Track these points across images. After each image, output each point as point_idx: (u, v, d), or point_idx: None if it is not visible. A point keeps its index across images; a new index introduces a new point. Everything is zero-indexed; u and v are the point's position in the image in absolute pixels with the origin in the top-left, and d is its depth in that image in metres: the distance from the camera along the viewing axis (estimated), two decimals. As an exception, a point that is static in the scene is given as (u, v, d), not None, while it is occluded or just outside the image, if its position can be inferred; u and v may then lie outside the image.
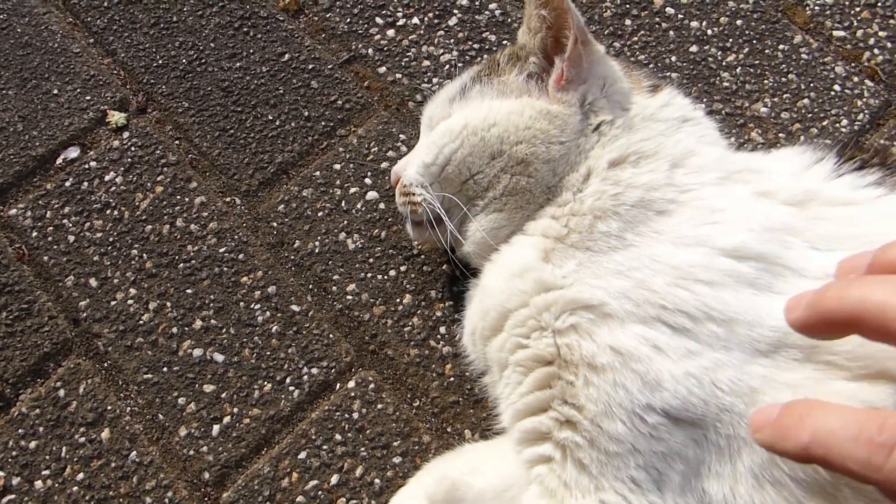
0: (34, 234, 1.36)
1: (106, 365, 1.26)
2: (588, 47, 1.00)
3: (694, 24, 1.51)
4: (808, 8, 1.52)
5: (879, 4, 1.50)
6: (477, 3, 1.55)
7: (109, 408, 1.22)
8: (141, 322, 1.28)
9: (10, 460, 1.18)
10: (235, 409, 1.21)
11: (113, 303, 1.30)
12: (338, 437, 1.18)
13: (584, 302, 0.89)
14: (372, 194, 1.37)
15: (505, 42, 1.50)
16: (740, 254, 0.88)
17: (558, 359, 0.90)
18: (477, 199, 1.07)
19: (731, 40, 1.49)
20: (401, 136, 1.42)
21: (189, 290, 1.30)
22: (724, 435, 0.83)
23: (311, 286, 1.31)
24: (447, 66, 1.49)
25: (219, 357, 1.25)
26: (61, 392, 1.24)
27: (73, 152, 1.44)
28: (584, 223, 0.95)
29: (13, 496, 1.16)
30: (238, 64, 1.51)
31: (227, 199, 1.39)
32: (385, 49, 1.52)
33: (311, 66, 1.50)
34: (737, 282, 0.86)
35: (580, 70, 1.01)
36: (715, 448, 0.83)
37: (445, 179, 1.08)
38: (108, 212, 1.37)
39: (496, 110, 1.04)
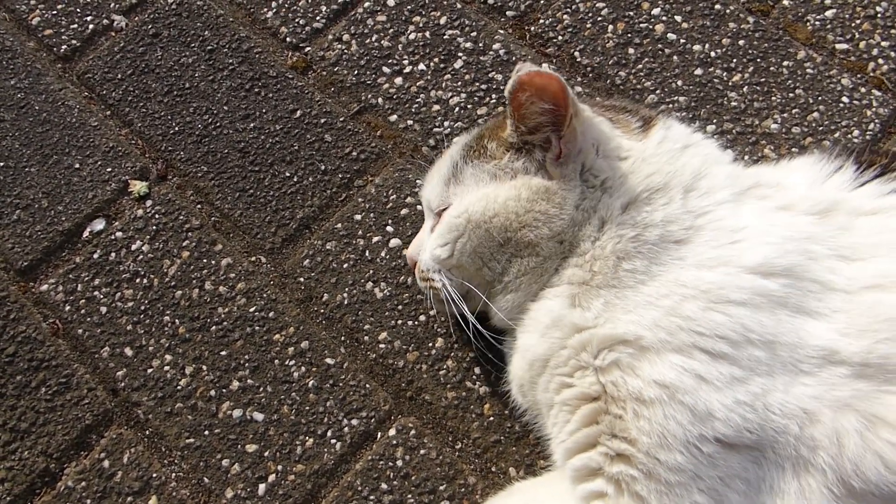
0: (67, 308, 1.43)
1: (148, 433, 1.32)
2: (579, 116, 1.04)
3: (696, 47, 1.58)
4: (808, 24, 1.59)
5: (879, 15, 1.57)
6: (481, 45, 1.63)
7: (155, 475, 1.27)
8: (179, 387, 1.34)
9: (61, 535, 1.24)
10: (279, 467, 1.26)
11: (150, 370, 1.36)
12: (384, 486, 1.23)
13: (620, 337, 0.95)
14: (395, 241, 1.44)
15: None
16: (765, 269, 0.92)
17: (604, 395, 0.95)
18: (494, 283, 1.13)
19: (735, 60, 1.56)
20: (417, 181, 1.49)
21: (223, 352, 1.36)
22: (784, 455, 0.87)
23: (343, 338, 1.37)
24: (457, 109, 1.56)
25: (258, 416, 1.30)
26: (106, 463, 1.29)
27: (98, 224, 1.51)
28: (609, 264, 1.00)
29: (68, 570, 1.21)
30: (252, 124, 1.59)
31: (253, 259, 1.46)
32: (394, 97, 1.60)
33: (323, 121, 1.58)
34: (769, 302, 0.91)
35: (575, 142, 1.05)
36: (775, 466, 0.87)
37: (460, 267, 1.14)
38: (137, 280, 1.44)
39: (493, 200, 1.08)
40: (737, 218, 0.99)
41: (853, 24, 1.58)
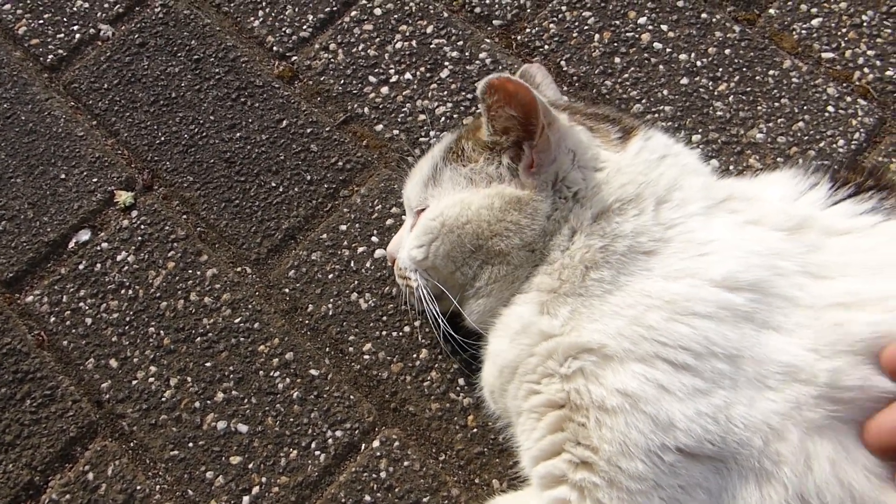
0: (52, 319, 1.43)
1: (132, 445, 1.32)
2: (553, 126, 1.04)
3: (683, 56, 1.59)
4: (794, 32, 1.59)
5: (865, 24, 1.58)
6: (467, 54, 1.63)
7: (139, 487, 1.28)
8: (163, 399, 1.34)
9: (45, 548, 1.24)
10: (264, 479, 1.26)
11: (134, 382, 1.36)
12: (367, 498, 1.23)
13: (584, 345, 0.95)
14: (380, 252, 1.44)
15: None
16: (731, 283, 0.92)
17: (568, 403, 0.96)
18: (467, 287, 1.14)
19: (720, 70, 1.56)
20: (402, 191, 1.49)
21: (208, 364, 1.37)
22: (747, 467, 0.87)
23: (327, 349, 1.37)
24: (443, 119, 1.57)
25: (243, 428, 1.31)
26: (90, 475, 1.29)
27: (84, 235, 1.51)
28: (576, 273, 1.01)
29: (51, 584, 1.21)
30: (238, 134, 1.59)
31: (238, 269, 1.46)
32: (380, 107, 1.60)
33: (309, 130, 1.59)
34: (734, 316, 0.91)
35: (549, 152, 1.05)
36: (738, 476, 0.88)
37: (435, 268, 1.16)
38: (122, 291, 1.45)
39: (467, 207, 1.10)
40: (707, 231, 0.99)
41: (839, 33, 1.59)
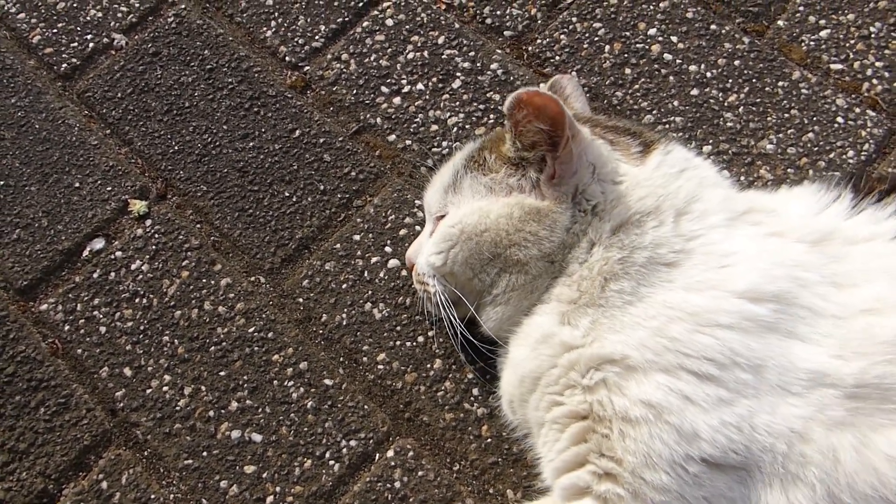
0: (66, 327, 1.44)
1: (146, 453, 1.32)
2: (577, 138, 1.05)
3: (693, 67, 1.60)
4: (803, 44, 1.60)
5: (873, 36, 1.59)
6: (479, 65, 1.64)
7: (153, 496, 1.28)
8: (177, 408, 1.35)
9: (60, 557, 1.24)
10: (278, 489, 1.27)
11: (148, 391, 1.37)
12: (381, 508, 1.24)
13: (607, 357, 0.96)
14: (393, 262, 1.45)
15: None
16: (754, 294, 0.93)
17: (591, 414, 0.96)
18: (485, 294, 1.15)
19: (730, 81, 1.57)
20: (416, 201, 1.50)
21: (222, 373, 1.37)
22: (772, 473, 0.88)
23: (341, 359, 1.37)
24: (455, 129, 1.58)
25: (257, 437, 1.31)
26: (104, 484, 1.30)
27: (98, 243, 1.52)
28: (595, 284, 1.01)
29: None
30: (251, 144, 1.60)
31: (252, 279, 1.47)
32: (393, 117, 1.61)
33: (322, 140, 1.59)
34: (758, 326, 0.92)
35: (570, 164, 1.06)
36: (762, 484, 0.89)
37: (453, 275, 1.17)
38: (136, 300, 1.45)
39: (486, 215, 1.10)
40: (728, 243, 1.00)
41: (847, 45, 1.60)
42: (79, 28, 1.77)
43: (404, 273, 1.43)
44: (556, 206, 1.06)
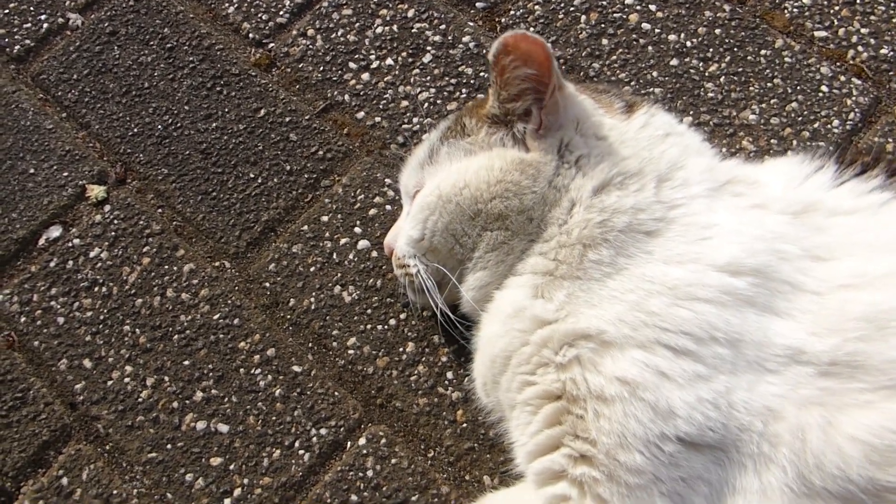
0: (22, 319, 1.40)
1: (108, 448, 1.29)
2: (563, 90, 1.04)
3: (672, 37, 1.57)
4: (786, 11, 1.58)
5: (858, 2, 1.56)
6: (450, 38, 1.61)
7: (115, 492, 1.25)
8: (140, 400, 1.31)
9: (18, 557, 1.21)
10: (245, 480, 1.23)
11: (109, 382, 1.33)
12: (354, 497, 1.20)
13: (582, 332, 0.93)
14: (363, 243, 1.41)
15: (482, 74, 1.56)
16: (734, 268, 0.92)
17: (565, 393, 0.94)
18: (466, 262, 1.12)
19: (711, 50, 1.54)
20: (386, 180, 1.47)
21: (186, 362, 1.33)
22: (747, 453, 0.86)
23: (310, 344, 1.34)
24: (426, 105, 1.54)
25: (223, 427, 1.28)
26: (64, 480, 1.26)
27: (55, 231, 1.48)
28: (574, 254, 0.99)
29: None
30: (214, 124, 1.56)
31: (217, 264, 1.43)
32: (361, 93, 1.57)
33: (288, 119, 1.56)
34: (736, 300, 0.90)
35: (556, 115, 1.05)
36: (738, 466, 0.87)
37: (434, 250, 1.14)
38: (96, 289, 1.41)
39: (464, 171, 1.08)
40: (709, 214, 0.98)
41: (832, 11, 1.57)
42: (32, 8, 1.72)
43: (374, 254, 1.40)
44: (541, 157, 1.05)
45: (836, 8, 1.57)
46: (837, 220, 0.97)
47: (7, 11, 1.72)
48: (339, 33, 1.63)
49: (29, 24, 1.70)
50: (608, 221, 0.98)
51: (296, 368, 1.32)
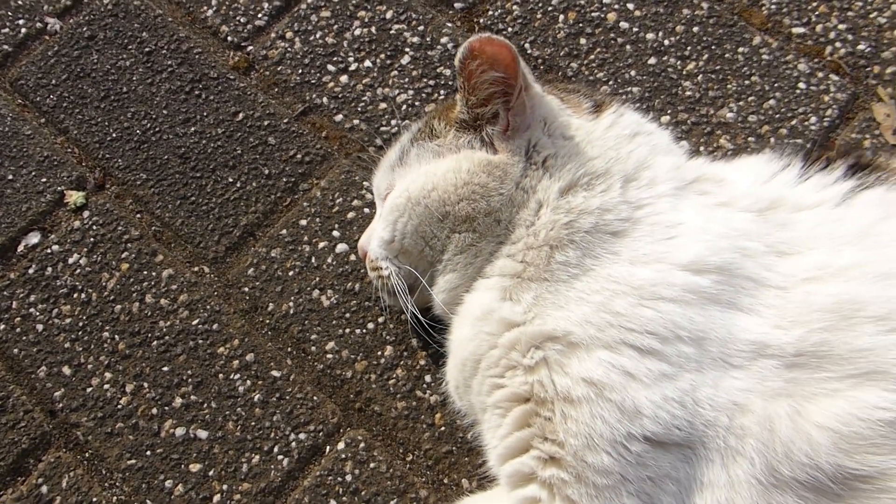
0: (1, 326, 1.39)
1: (87, 455, 1.29)
2: (530, 91, 1.04)
3: (650, 35, 1.57)
4: (763, 8, 1.57)
5: (834, -3, 1.56)
6: (428, 39, 1.60)
7: (95, 499, 1.25)
8: (119, 406, 1.31)
9: (-3, 566, 1.21)
10: (225, 486, 1.24)
11: (89, 389, 1.33)
12: (333, 502, 1.21)
13: (549, 334, 0.94)
14: (341, 247, 1.41)
15: (461, 76, 1.55)
16: (698, 266, 0.92)
17: (533, 396, 0.94)
18: (437, 264, 1.12)
19: (689, 48, 1.54)
20: (364, 183, 1.46)
21: (165, 368, 1.33)
22: (714, 448, 0.87)
23: (289, 349, 1.34)
24: (404, 107, 1.54)
25: (202, 434, 1.28)
26: (44, 488, 1.26)
27: (33, 238, 1.47)
28: (542, 255, 0.99)
29: None
30: (193, 128, 1.56)
31: (196, 269, 1.43)
32: (340, 96, 1.57)
33: (266, 123, 1.55)
34: (700, 298, 0.91)
35: (524, 117, 1.05)
36: (705, 461, 0.87)
37: (405, 252, 1.14)
38: (75, 296, 1.41)
39: (432, 174, 1.09)
40: (675, 213, 0.98)
41: (809, 7, 1.57)
42: (10, 13, 1.72)
43: (353, 258, 1.40)
44: (509, 159, 1.05)
45: (814, 4, 1.57)
46: (801, 216, 0.97)
47: (-16, 17, 1.71)
48: (318, 35, 1.63)
49: (7, 30, 1.70)
50: (575, 222, 0.99)
51: (275, 373, 1.32)
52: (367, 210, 1.43)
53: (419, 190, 1.09)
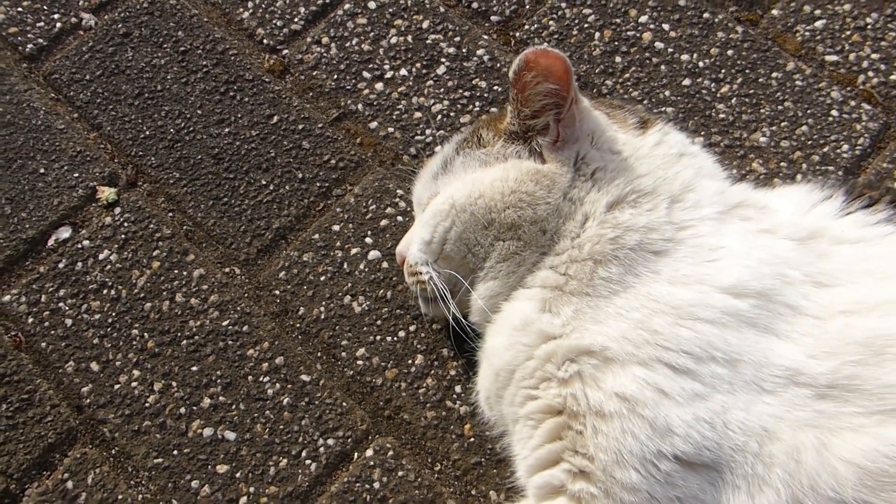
0: (30, 319, 1.39)
1: (114, 452, 1.28)
2: (579, 105, 1.06)
3: (685, 56, 1.57)
4: (798, 34, 1.58)
5: (869, 27, 1.57)
6: (464, 50, 1.61)
7: (120, 497, 1.24)
8: (147, 404, 1.31)
9: (21, 560, 1.20)
10: (252, 489, 1.23)
11: (116, 386, 1.32)
12: (360, 509, 1.20)
13: (586, 348, 0.94)
14: (374, 254, 1.41)
15: (496, 88, 1.56)
16: (737, 291, 0.93)
17: (566, 409, 0.94)
18: (478, 271, 1.12)
19: (723, 71, 1.55)
20: (398, 191, 1.46)
21: (194, 368, 1.33)
22: (741, 474, 0.87)
23: (319, 354, 1.34)
24: (439, 117, 1.54)
25: (230, 435, 1.27)
26: (69, 484, 1.25)
27: (64, 232, 1.47)
28: (585, 269, 1.00)
29: None
30: (227, 129, 1.55)
31: (227, 270, 1.42)
32: (375, 103, 1.57)
33: (301, 127, 1.55)
34: (737, 321, 0.91)
35: (573, 128, 1.06)
36: (731, 487, 0.87)
37: (446, 257, 1.14)
38: (104, 292, 1.40)
39: (479, 181, 1.09)
40: (718, 237, 0.99)
41: (843, 36, 1.58)
42: (45, 7, 1.71)
43: (385, 265, 1.40)
44: (558, 168, 1.05)
45: (848, 33, 1.58)
46: (841, 249, 0.98)
47: (21, 10, 1.71)
48: (354, 42, 1.63)
49: (42, 23, 1.69)
50: (620, 238, 0.99)
51: (304, 378, 1.31)
52: (399, 218, 1.43)
53: (465, 197, 1.09)
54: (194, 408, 1.30)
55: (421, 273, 1.17)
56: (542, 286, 1.04)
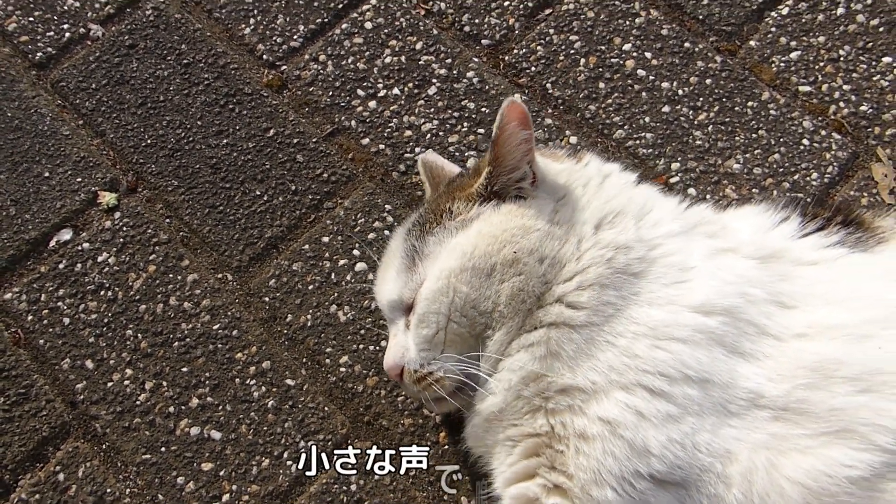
0: (29, 317, 1.43)
1: (104, 447, 1.32)
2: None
3: (665, 84, 1.61)
4: (773, 65, 1.62)
5: (842, 59, 1.61)
6: (455, 72, 1.65)
7: (109, 490, 1.27)
8: (138, 402, 1.34)
9: (12, 548, 1.24)
10: (234, 487, 1.26)
11: (109, 384, 1.36)
12: (337, 509, 1.24)
13: (578, 387, 0.96)
14: (360, 265, 1.45)
15: (483, 109, 1.60)
16: (706, 309, 0.96)
17: (550, 433, 0.97)
18: (486, 329, 1.05)
19: (701, 99, 1.59)
20: (386, 206, 1.50)
21: (184, 369, 1.37)
22: (705, 493, 0.90)
23: (304, 360, 1.38)
24: (429, 135, 1.58)
25: (216, 434, 1.31)
26: (61, 476, 1.29)
27: (65, 234, 1.51)
28: (593, 296, 0.99)
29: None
30: (225, 141, 1.59)
31: (220, 276, 1.46)
32: (367, 120, 1.61)
33: (296, 140, 1.59)
34: (707, 339, 0.94)
35: (538, 167, 1.09)
36: None
37: (453, 339, 1.06)
38: (102, 293, 1.44)
39: (466, 241, 1.05)
40: (685, 255, 1.01)
41: (817, 67, 1.62)
42: (55, 17, 1.76)
43: (370, 277, 1.43)
44: (536, 200, 1.06)
45: (821, 64, 1.62)
46: (800, 270, 1.01)
47: (32, 19, 1.75)
48: (350, 60, 1.67)
49: (52, 33, 1.74)
50: (613, 260, 1.00)
51: (289, 382, 1.35)
52: (387, 232, 1.47)
53: (459, 258, 1.04)
54: (183, 407, 1.33)
55: (433, 372, 1.07)
56: (550, 325, 1.00)
